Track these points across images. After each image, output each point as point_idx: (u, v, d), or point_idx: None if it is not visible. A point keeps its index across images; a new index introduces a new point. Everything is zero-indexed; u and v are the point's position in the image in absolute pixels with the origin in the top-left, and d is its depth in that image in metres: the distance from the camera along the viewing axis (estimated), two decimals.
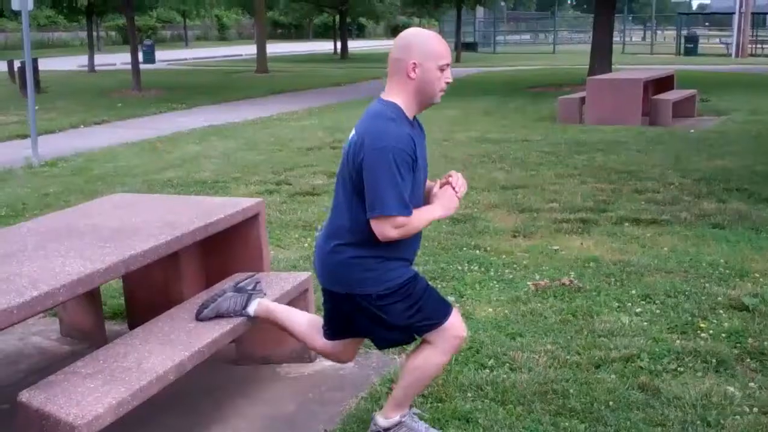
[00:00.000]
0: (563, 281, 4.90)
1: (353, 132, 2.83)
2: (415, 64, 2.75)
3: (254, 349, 3.90)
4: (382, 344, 3.10)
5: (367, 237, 2.80)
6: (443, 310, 2.96)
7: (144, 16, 47.06)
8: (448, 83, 2.82)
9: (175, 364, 2.87)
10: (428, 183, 2.99)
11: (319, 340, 3.18)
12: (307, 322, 3.27)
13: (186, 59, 38.96)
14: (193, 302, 3.48)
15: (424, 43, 2.77)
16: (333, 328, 3.10)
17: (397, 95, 2.81)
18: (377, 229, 2.75)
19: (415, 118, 2.88)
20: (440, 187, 2.95)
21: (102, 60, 32.40)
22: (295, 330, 3.26)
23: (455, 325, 2.96)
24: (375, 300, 2.86)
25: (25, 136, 11.58)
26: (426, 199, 2.95)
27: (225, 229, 3.69)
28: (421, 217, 2.82)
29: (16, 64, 21.00)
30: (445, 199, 2.91)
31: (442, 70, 2.78)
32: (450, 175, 2.97)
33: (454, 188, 2.93)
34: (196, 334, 3.13)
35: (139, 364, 2.85)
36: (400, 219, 2.73)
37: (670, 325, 4.20)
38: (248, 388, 3.68)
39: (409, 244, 2.92)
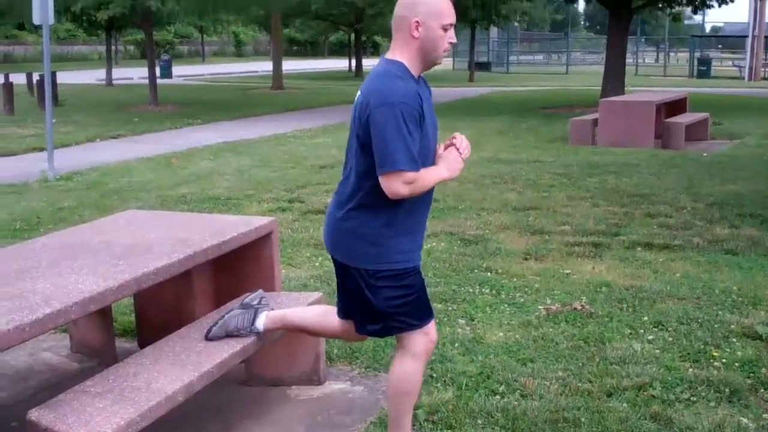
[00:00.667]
0: (575, 306, 4.88)
1: (359, 93, 2.83)
2: (418, 22, 2.76)
3: (264, 371, 3.89)
4: (361, 330, 3.05)
5: (375, 198, 2.78)
6: (426, 316, 2.97)
7: (162, 31, 47.49)
8: (451, 43, 2.83)
9: (185, 385, 2.87)
10: None
11: (334, 322, 3.16)
12: (319, 311, 3.29)
13: (202, 75, 39.21)
14: (203, 321, 3.49)
15: (427, 2, 2.77)
16: (341, 302, 3.08)
17: (401, 54, 2.81)
18: (387, 186, 2.73)
19: (420, 76, 2.88)
20: (444, 149, 2.94)
21: (120, 74, 32.65)
22: (309, 325, 3.26)
23: (431, 330, 2.98)
24: (369, 277, 2.85)
25: (41, 150, 11.66)
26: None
27: (237, 248, 3.70)
28: (428, 176, 2.80)
29: (35, 77, 21.17)
30: (450, 160, 2.89)
31: (445, 29, 2.79)
32: (454, 137, 2.95)
33: (458, 149, 2.92)
34: (206, 354, 3.14)
35: (148, 384, 2.85)
36: (410, 174, 2.71)
37: (682, 353, 4.17)
38: (257, 409, 3.67)
39: (415, 212, 2.90)
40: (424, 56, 2.81)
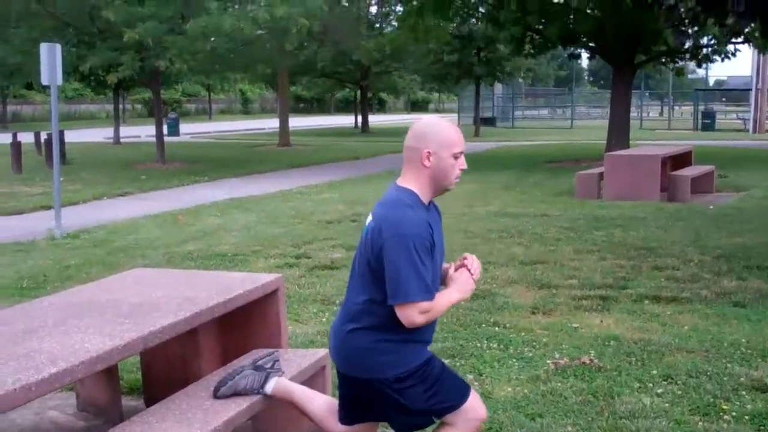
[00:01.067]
0: (583, 360, 4.85)
1: (370, 218, 2.88)
2: (429, 152, 2.82)
3: (270, 428, 3.86)
4: (400, 429, 3.06)
5: (385, 321, 2.82)
6: (461, 392, 2.95)
7: (170, 89, 48.18)
8: (462, 170, 2.89)
9: None
10: (443, 265, 3.01)
11: (336, 425, 3.14)
12: (325, 405, 3.24)
13: (210, 132, 39.62)
14: (210, 379, 3.48)
15: (438, 132, 2.84)
16: (349, 413, 3.07)
17: (413, 182, 2.87)
18: (403, 316, 2.77)
19: (431, 201, 2.93)
20: (455, 270, 2.97)
21: (127, 132, 33.03)
22: (312, 413, 3.23)
23: (474, 406, 2.95)
24: (392, 383, 2.85)
25: (49, 208, 11.74)
26: (442, 282, 2.97)
27: (244, 305, 3.71)
28: (441, 302, 2.85)
29: (43, 136, 21.43)
30: (462, 282, 2.94)
31: (456, 157, 2.85)
32: (465, 258, 3.00)
33: (469, 270, 2.95)
34: (213, 412, 3.12)
35: None
36: (425, 304, 2.76)
37: (692, 406, 4.13)
38: None
39: (427, 326, 2.92)
40: (435, 184, 2.88)
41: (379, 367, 2.86)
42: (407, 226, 2.74)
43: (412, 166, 2.87)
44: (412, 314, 2.76)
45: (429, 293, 2.77)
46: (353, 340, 2.89)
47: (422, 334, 2.91)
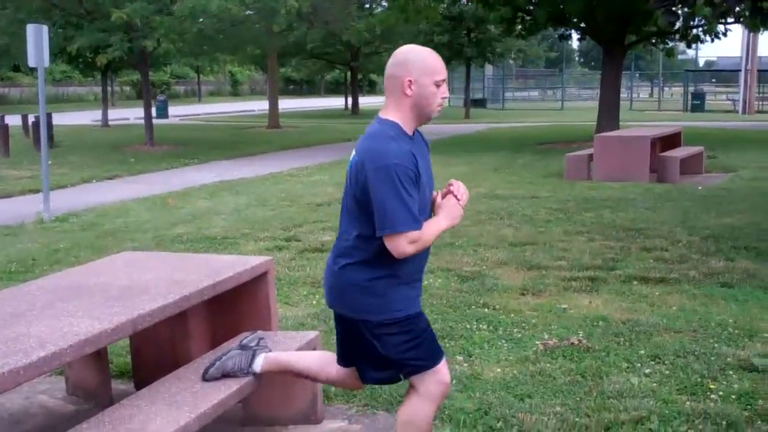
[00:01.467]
0: (572, 341, 4.88)
1: (353, 152, 2.86)
2: (410, 80, 2.80)
3: (260, 410, 3.87)
4: (367, 378, 3.06)
5: (374, 256, 2.82)
6: (436, 355, 2.97)
7: (158, 71, 47.86)
8: (444, 98, 2.87)
9: (181, 427, 2.86)
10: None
11: (333, 370, 3.16)
12: (318, 357, 3.28)
13: (199, 114, 39.44)
14: (200, 362, 3.48)
15: (419, 60, 2.82)
16: (342, 352, 3.09)
17: (395, 112, 2.85)
18: (392, 247, 2.75)
19: (416, 131, 2.91)
20: (442, 198, 2.96)
21: (116, 115, 32.85)
22: (308, 369, 3.25)
23: (442, 371, 2.97)
24: (374, 327, 2.86)
25: (37, 191, 11.70)
26: (431, 212, 2.95)
27: (233, 288, 3.70)
28: (429, 231, 2.83)
29: (30, 118, 21.29)
30: (449, 208, 2.91)
31: (438, 85, 2.83)
32: (451, 184, 2.97)
33: (456, 196, 2.93)
34: (202, 395, 3.13)
35: (144, 426, 2.84)
36: (413, 234, 2.75)
37: (679, 386, 4.16)
38: None
39: (416, 262, 2.92)
40: (417, 113, 2.85)
41: (365, 308, 2.86)
42: (390, 156, 2.71)
43: (394, 96, 2.84)
44: (401, 244, 2.74)
45: (416, 223, 2.75)
46: (345, 275, 2.89)
47: (411, 271, 2.90)
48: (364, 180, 2.75)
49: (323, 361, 3.23)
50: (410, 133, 2.86)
